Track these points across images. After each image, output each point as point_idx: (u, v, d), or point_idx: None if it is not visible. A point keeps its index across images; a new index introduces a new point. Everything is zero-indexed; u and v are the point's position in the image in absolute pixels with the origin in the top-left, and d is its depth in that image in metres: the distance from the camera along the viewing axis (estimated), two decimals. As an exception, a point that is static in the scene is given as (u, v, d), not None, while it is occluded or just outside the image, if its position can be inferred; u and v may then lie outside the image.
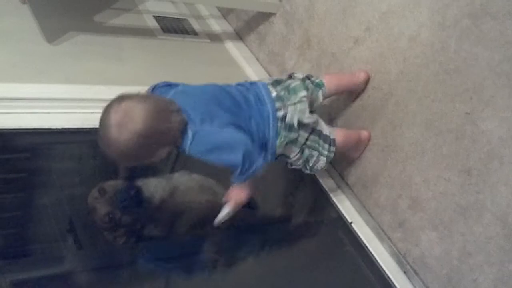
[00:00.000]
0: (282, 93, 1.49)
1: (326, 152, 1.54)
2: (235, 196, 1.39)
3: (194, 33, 2.19)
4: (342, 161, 1.79)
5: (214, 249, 1.55)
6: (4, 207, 1.36)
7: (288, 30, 2.02)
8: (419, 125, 1.50)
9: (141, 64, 1.89)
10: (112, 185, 1.41)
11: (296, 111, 1.47)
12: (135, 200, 1.42)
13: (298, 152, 1.53)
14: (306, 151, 1.53)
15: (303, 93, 1.51)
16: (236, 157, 1.32)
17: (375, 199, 1.67)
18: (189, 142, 1.32)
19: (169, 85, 1.46)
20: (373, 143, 1.66)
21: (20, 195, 1.42)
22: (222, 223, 1.40)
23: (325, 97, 1.63)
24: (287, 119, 1.46)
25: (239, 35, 2.28)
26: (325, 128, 1.55)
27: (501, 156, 1.29)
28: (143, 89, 1.59)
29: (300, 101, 1.50)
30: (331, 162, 1.83)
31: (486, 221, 1.34)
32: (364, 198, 1.72)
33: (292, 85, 1.53)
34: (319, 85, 1.60)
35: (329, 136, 1.54)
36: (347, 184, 1.79)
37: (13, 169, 1.47)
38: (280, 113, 1.45)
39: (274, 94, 1.48)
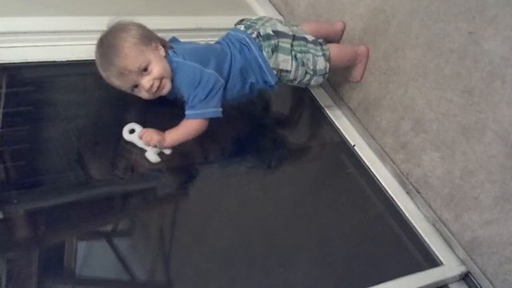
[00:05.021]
0: (248, 23, 1.60)
1: (320, 52, 1.59)
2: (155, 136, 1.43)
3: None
4: (345, 85, 1.80)
5: (219, 170, 1.59)
6: (13, 139, 1.38)
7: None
8: (422, 47, 1.49)
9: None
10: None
11: (268, 26, 1.58)
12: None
13: (292, 60, 1.55)
14: (299, 55, 1.56)
15: (268, 17, 1.65)
16: (203, 90, 1.43)
17: (378, 122, 1.69)
18: (172, 71, 1.45)
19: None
20: (375, 67, 1.66)
21: (27, 127, 1.44)
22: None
23: None
24: (262, 33, 1.55)
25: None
26: (309, 36, 1.62)
27: (503, 75, 1.29)
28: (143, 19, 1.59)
29: (268, 20, 1.61)
30: (333, 87, 1.85)
31: (488, 140, 1.36)
32: (366, 121, 1.74)
33: (257, 17, 1.65)
34: (293, 25, 1.68)
35: (316, 40, 1.62)
36: (349, 108, 1.80)
37: (20, 102, 1.48)
38: (254, 34, 1.55)
39: (242, 27, 1.59)
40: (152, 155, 1.43)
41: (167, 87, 1.44)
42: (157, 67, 1.41)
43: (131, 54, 1.38)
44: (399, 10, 1.55)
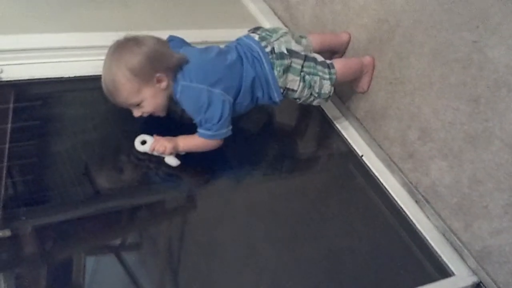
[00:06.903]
0: (263, 34, 1.60)
1: (327, 76, 1.59)
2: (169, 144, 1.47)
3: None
4: (351, 95, 1.80)
5: (228, 181, 1.59)
6: (21, 154, 1.39)
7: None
8: (426, 56, 1.49)
9: (147, 9, 1.89)
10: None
11: (282, 42, 1.57)
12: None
13: (300, 81, 1.56)
14: (307, 77, 1.56)
15: (283, 30, 1.64)
16: (214, 114, 1.44)
17: (385, 132, 1.68)
18: (178, 94, 1.45)
19: (182, 42, 1.60)
20: (381, 76, 1.66)
21: (35, 142, 1.46)
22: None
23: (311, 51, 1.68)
24: (276, 50, 1.54)
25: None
26: (319, 56, 1.62)
27: (509, 83, 1.28)
28: (149, 33, 1.60)
29: (282, 35, 1.60)
30: (340, 98, 1.85)
31: (495, 148, 1.35)
32: (373, 131, 1.73)
33: (271, 27, 1.66)
34: (301, 36, 1.68)
35: (325, 61, 1.61)
36: (356, 118, 1.80)
37: (27, 117, 1.50)
38: (268, 49, 1.54)
39: (256, 37, 1.58)
40: (171, 160, 1.47)
41: (160, 114, 1.51)
42: (150, 105, 1.46)
43: (126, 92, 1.41)
44: (403, 20, 1.54)
